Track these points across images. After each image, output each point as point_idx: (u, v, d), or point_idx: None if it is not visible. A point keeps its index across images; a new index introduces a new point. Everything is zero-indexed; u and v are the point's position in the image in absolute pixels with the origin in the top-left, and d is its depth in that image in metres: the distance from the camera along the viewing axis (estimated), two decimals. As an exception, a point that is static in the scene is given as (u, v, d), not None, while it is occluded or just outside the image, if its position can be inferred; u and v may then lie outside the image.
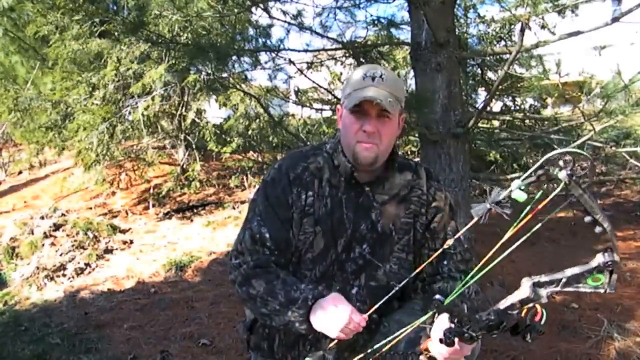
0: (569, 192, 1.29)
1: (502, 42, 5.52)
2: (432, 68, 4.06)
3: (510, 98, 5.81)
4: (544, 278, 1.33)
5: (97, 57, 6.84)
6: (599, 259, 1.27)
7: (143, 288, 5.44)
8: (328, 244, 1.83)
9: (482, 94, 6.40)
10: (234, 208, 8.71)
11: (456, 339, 1.42)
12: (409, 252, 1.88)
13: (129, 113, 7.07)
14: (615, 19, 3.62)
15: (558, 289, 1.32)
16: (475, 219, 1.39)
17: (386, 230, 1.85)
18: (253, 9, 4.97)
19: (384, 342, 1.62)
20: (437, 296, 1.38)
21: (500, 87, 4.51)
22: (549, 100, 6.22)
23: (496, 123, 6.12)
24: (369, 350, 1.66)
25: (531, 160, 8.03)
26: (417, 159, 5.74)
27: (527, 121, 5.50)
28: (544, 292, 1.33)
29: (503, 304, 1.36)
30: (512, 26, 5.30)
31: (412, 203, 1.87)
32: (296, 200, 1.83)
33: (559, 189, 1.29)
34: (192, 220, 8.41)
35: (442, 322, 1.47)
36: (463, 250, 1.89)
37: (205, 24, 4.89)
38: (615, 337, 3.51)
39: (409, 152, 8.51)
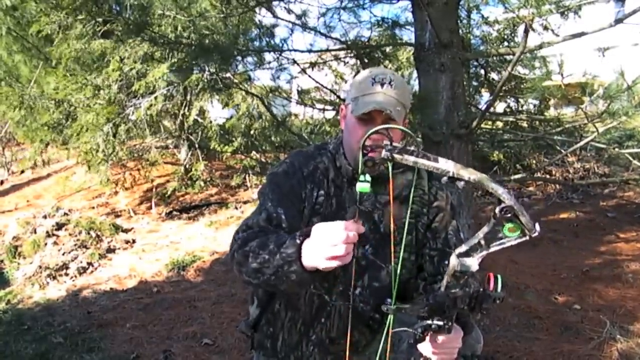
0: (402, 164, 1.35)
1: (506, 43, 5.52)
2: (435, 69, 4.06)
3: (513, 99, 5.81)
4: (464, 248, 1.34)
5: (101, 56, 6.84)
6: (497, 210, 1.28)
7: (145, 287, 5.45)
8: (331, 244, 1.82)
9: (485, 95, 6.39)
10: (236, 208, 8.72)
11: (427, 334, 1.43)
12: (412, 252, 1.87)
13: (132, 113, 7.08)
14: (618, 21, 3.62)
15: (485, 252, 1.33)
16: (353, 219, 1.45)
17: (388, 230, 1.84)
18: (257, 9, 4.97)
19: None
20: (388, 300, 1.39)
21: (503, 88, 4.50)
22: (552, 101, 6.21)
23: (499, 124, 6.12)
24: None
25: (534, 161, 8.05)
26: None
27: (530, 122, 5.50)
28: (472, 261, 1.33)
29: (442, 286, 1.38)
30: (516, 27, 5.29)
31: (414, 203, 1.86)
32: (309, 196, 1.81)
33: (390, 166, 1.38)
34: (194, 220, 8.42)
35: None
36: (464, 251, 1.89)
37: (208, 24, 4.90)
38: (617, 339, 3.51)
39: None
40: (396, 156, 1.33)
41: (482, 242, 1.32)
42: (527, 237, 1.28)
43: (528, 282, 4.66)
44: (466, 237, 1.71)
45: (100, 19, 4.56)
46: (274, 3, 4.81)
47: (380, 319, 1.82)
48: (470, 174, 1.29)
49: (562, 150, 4.99)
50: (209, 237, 7.26)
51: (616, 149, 4.41)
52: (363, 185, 1.40)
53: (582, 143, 4.19)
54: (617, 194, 7.68)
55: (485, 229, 1.32)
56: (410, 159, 1.32)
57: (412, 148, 1.35)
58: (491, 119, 5.59)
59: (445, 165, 1.31)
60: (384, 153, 1.33)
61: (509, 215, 1.26)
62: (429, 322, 1.40)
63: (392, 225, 1.63)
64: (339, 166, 1.85)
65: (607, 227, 6.54)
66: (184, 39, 4.87)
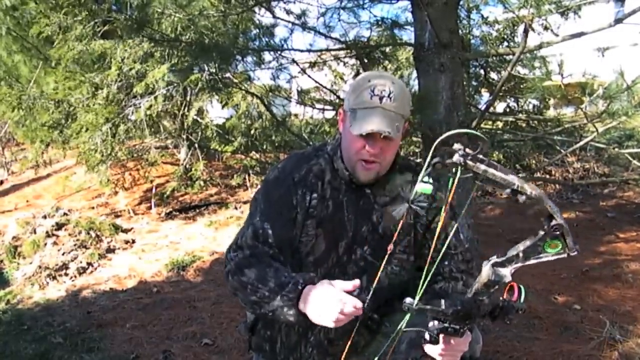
0: (472, 171, 1.32)
1: (506, 43, 5.52)
2: (435, 69, 4.06)
3: (513, 99, 5.81)
4: (501, 258, 1.34)
5: (100, 57, 6.84)
6: (545, 226, 1.29)
7: (145, 287, 5.44)
8: (329, 246, 1.82)
9: (485, 95, 6.40)
10: (236, 208, 8.72)
11: (441, 336, 1.43)
12: (410, 253, 1.87)
13: (132, 113, 7.08)
14: (618, 21, 3.62)
15: (520, 264, 1.33)
16: (401, 222, 1.55)
17: (387, 231, 1.84)
18: (256, 9, 4.97)
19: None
20: (407, 299, 1.39)
21: (503, 88, 4.50)
22: (551, 102, 6.21)
23: (499, 124, 6.12)
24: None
25: (534, 161, 8.06)
26: (419, 160, 5.75)
27: (530, 122, 5.50)
28: (506, 271, 1.34)
29: (470, 292, 1.38)
30: (516, 27, 5.30)
31: (412, 203, 1.86)
32: (301, 201, 1.81)
33: (459, 173, 1.33)
34: (194, 220, 8.42)
35: (430, 324, 1.48)
36: (464, 251, 1.89)
37: (208, 23, 4.89)
38: (617, 339, 3.50)
39: (411, 153, 8.50)
40: (468, 162, 1.31)
41: (521, 254, 1.32)
42: (565, 255, 1.30)
43: (528, 282, 4.65)
44: (466, 236, 1.71)
45: (100, 19, 4.57)
46: (273, 3, 4.81)
47: (378, 320, 1.83)
48: (532, 189, 1.29)
49: (562, 150, 5.00)
50: (209, 237, 7.26)
51: (616, 149, 4.42)
52: (424, 186, 1.37)
53: (581, 143, 4.20)
54: (617, 194, 7.68)
55: (527, 242, 1.32)
56: (481, 167, 1.30)
57: (482, 156, 1.32)
58: (491, 119, 5.59)
59: (511, 178, 1.30)
60: (456, 157, 1.30)
61: (557, 233, 1.28)
62: (446, 324, 1.40)
63: (439, 229, 1.63)
64: (337, 168, 1.84)
65: (607, 227, 6.53)
66: (183, 38, 4.87)
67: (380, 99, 1.68)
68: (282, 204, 1.81)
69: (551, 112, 6.85)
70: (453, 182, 1.36)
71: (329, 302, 1.49)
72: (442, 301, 1.43)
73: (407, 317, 1.48)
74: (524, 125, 5.57)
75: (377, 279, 1.60)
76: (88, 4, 4.43)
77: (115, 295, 5.21)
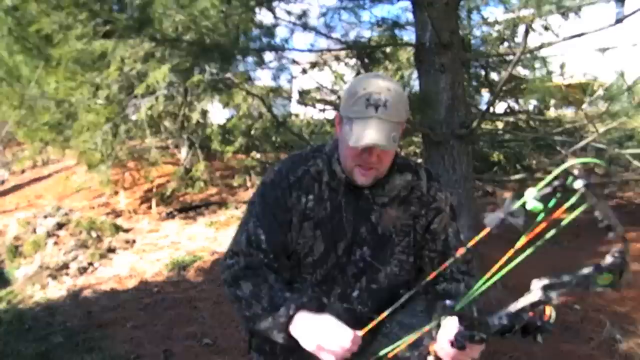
0: (584, 200, 1.28)
1: (506, 44, 5.52)
2: (436, 69, 4.06)
3: (513, 99, 5.81)
4: (553, 280, 1.33)
5: (101, 57, 6.84)
6: (608, 260, 1.28)
7: (146, 287, 5.44)
8: (328, 247, 1.82)
9: (485, 95, 6.40)
10: (236, 208, 8.72)
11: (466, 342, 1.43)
12: (410, 253, 1.87)
13: (133, 113, 7.08)
14: (618, 21, 3.62)
15: (569, 288, 1.32)
16: (488, 228, 1.43)
17: (386, 232, 1.84)
18: (257, 9, 4.98)
19: (390, 348, 1.62)
20: (447, 302, 1.38)
21: (503, 88, 4.51)
22: (552, 102, 6.22)
23: (500, 124, 6.13)
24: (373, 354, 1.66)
25: (534, 161, 8.06)
26: (420, 160, 5.75)
27: (530, 122, 5.50)
28: (554, 294, 1.33)
29: (514, 307, 1.37)
30: (516, 28, 5.30)
31: (412, 204, 1.85)
32: (296, 203, 1.81)
33: (574, 199, 1.28)
34: (195, 220, 8.41)
35: (451, 324, 1.46)
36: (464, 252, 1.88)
37: (209, 23, 4.89)
38: (618, 339, 3.51)
39: (412, 154, 8.51)
40: (587, 191, 1.28)
41: (574, 281, 1.32)
42: (613, 289, 1.30)
43: (528, 282, 4.65)
44: (466, 236, 1.70)
45: (101, 19, 4.57)
46: (274, 3, 4.81)
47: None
48: (620, 229, 1.29)
49: (563, 151, 4.99)
50: (210, 237, 7.26)
51: (616, 150, 4.42)
52: (536, 205, 1.32)
53: (582, 143, 4.20)
54: (617, 194, 7.67)
55: (585, 272, 1.31)
56: (593, 199, 1.29)
57: (597, 190, 1.30)
58: (491, 119, 5.60)
59: (610, 213, 1.29)
60: (578, 184, 1.27)
61: (619, 269, 1.28)
62: (474, 332, 1.40)
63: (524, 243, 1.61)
64: (334, 170, 1.84)
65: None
66: (185, 38, 4.87)
67: (376, 108, 1.63)
68: (277, 207, 1.82)
69: (552, 113, 6.84)
70: (556, 205, 1.32)
71: (337, 339, 1.56)
72: (474, 308, 1.42)
73: (440, 319, 1.48)
74: (524, 125, 5.58)
75: (417, 287, 1.61)
76: (89, 4, 4.43)
77: (116, 295, 5.22)
